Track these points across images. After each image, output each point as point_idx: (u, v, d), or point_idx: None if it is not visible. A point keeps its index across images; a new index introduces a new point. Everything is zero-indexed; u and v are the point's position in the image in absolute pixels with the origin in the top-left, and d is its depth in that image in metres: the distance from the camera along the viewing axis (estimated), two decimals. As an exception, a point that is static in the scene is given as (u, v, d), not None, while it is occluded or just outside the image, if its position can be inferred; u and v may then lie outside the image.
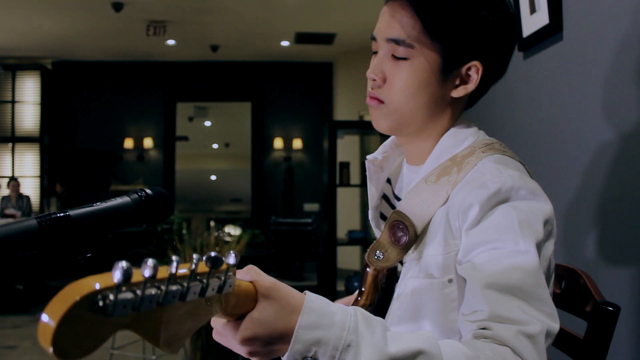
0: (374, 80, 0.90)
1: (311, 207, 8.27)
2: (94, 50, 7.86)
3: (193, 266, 0.55)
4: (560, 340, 1.00)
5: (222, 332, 0.68)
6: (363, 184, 5.15)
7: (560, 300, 1.03)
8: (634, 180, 1.41)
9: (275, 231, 4.50)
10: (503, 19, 0.87)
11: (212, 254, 0.56)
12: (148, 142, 8.42)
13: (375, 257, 0.89)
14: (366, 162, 1.03)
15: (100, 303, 0.47)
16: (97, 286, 0.47)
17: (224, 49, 7.77)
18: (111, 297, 0.47)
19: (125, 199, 0.76)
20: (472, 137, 0.91)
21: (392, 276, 0.94)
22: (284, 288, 0.67)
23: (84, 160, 8.22)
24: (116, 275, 0.46)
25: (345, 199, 6.09)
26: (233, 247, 4.83)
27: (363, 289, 0.95)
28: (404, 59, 0.87)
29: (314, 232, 4.49)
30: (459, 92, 0.89)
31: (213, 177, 11.98)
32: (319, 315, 0.65)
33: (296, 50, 7.87)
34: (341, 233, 4.92)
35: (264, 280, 0.66)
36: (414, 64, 0.87)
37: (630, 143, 1.44)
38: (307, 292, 0.68)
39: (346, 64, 7.82)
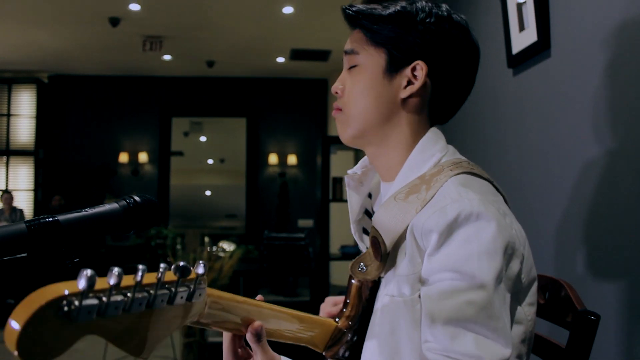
0: (337, 93, 1.00)
1: (305, 222, 8.26)
2: (91, 65, 7.89)
3: (159, 275, 0.58)
4: (543, 350, 1.01)
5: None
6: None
7: (543, 311, 1.04)
8: (620, 195, 1.43)
9: (268, 246, 4.50)
10: (439, 22, 0.94)
11: (180, 263, 0.59)
12: (143, 157, 8.42)
13: (359, 269, 0.91)
14: (345, 177, 1.05)
15: (65, 308, 0.49)
16: (63, 292, 0.49)
17: (220, 65, 7.81)
18: (76, 302, 0.49)
19: (113, 206, 0.78)
20: (439, 154, 0.93)
21: (375, 288, 0.95)
22: None
23: (78, 174, 8.22)
24: (81, 282, 0.48)
25: (338, 215, 6.08)
26: (226, 262, 4.83)
27: (348, 300, 0.95)
28: (355, 66, 0.97)
29: (307, 247, 4.50)
30: (406, 92, 0.94)
31: (208, 193, 11.97)
32: None
33: (291, 66, 7.92)
34: (334, 248, 4.92)
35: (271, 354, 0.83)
36: (362, 68, 0.97)
37: (616, 159, 1.46)
38: None
39: (341, 80, 7.86)
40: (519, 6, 1.95)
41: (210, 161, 12.84)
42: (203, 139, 11.98)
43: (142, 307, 0.56)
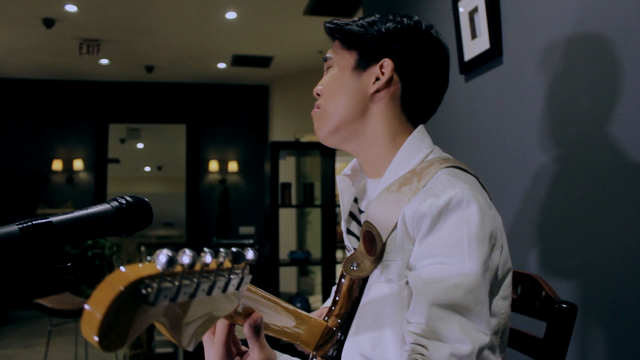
0: (318, 95, 1.08)
1: (247, 230, 8.21)
2: (23, 68, 7.56)
3: (221, 260, 0.55)
4: (521, 343, 1.05)
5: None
6: (302, 205, 5.17)
7: (517, 305, 1.08)
8: (570, 195, 1.51)
9: (215, 253, 4.44)
10: (402, 28, 1.03)
11: (234, 249, 0.57)
12: (78, 164, 8.13)
13: (352, 267, 0.93)
14: (337, 177, 1.11)
15: (144, 291, 0.45)
16: (143, 274, 0.46)
17: (159, 70, 7.67)
18: (155, 285, 0.46)
19: (106, 206, 0.75)
20: (426, 150, 0.99)
21: (364, 287, 0.97)
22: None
23: (7, 183, 7.84)
24: (161, 263, 0.45)
25: (283, 220, 6.08)
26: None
27: (337, 299, 0.97)
28: (330, 68, 1.08)
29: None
30: (374, 87, 1.01)
31: (145, 201, 11.64)
32: None
33: (232, 72, 7.86)
34: (281, 254, 4.91)
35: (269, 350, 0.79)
36: (334, 68, 1.07)
37: (566, 162, 1.53)
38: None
39: (282, 87, 7.88)
40: (471, 15, 2.03)
41: (147, 169, 12.53)
42: (140, 145, 11.68)
43: (204, 293, 0.53)
